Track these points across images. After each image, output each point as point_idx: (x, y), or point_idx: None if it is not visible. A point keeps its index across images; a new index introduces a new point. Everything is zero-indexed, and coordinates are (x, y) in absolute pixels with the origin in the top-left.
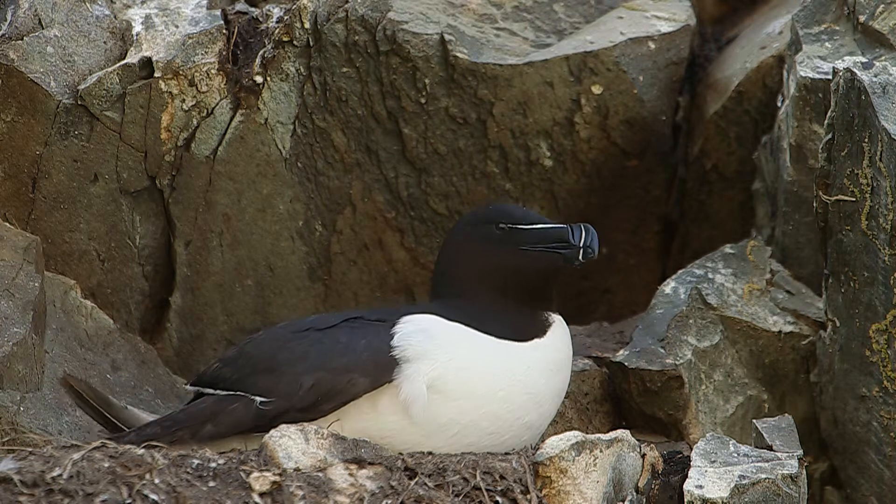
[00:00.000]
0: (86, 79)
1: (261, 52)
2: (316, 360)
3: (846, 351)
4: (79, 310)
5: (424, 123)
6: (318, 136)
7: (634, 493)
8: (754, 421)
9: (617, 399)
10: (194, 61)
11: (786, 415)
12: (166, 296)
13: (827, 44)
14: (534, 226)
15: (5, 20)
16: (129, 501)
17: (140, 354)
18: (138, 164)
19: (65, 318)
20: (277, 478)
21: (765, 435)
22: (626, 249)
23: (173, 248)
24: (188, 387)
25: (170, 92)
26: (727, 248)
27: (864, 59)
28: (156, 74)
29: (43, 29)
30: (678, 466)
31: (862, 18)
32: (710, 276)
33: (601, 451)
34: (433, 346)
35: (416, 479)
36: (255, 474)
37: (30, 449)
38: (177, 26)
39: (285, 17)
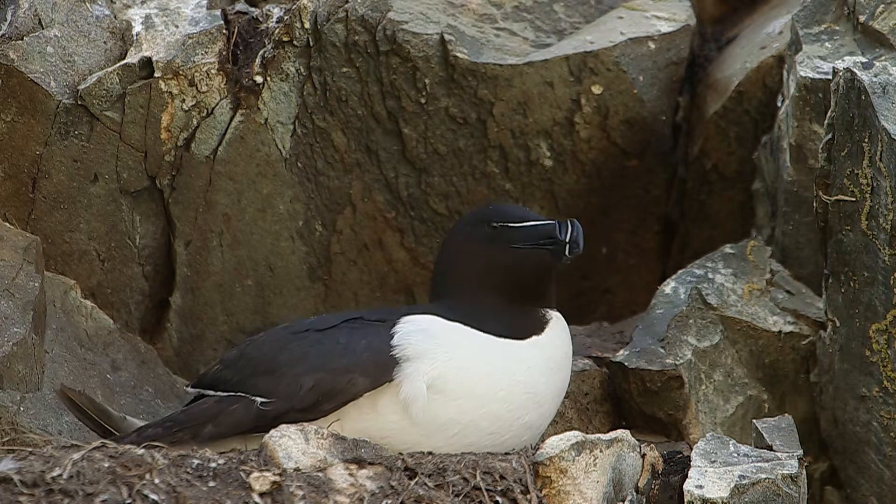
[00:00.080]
0: (86, 79)
1: (261, 52)
2: (316, 360)
3: (846, 351)
4: (79, 310)
5: (424, 123)
6: (318, 136)
7: (634, 493)
8: (754, 421)
9: (617, 399)
10: (194, 61)
11: (786, 415)
12: (166, 296)
13: (827, 44)
14: (524, 223)
15: (5, 20)
16: (129, 501)
17: (140, 354)
18: (138, 164)
19: (65, 318)
20: (277, 478)
21: (765, 435)
22: (626, 249)
23: (173, 248)
24: (189, 389)
25: (170, 92)
26: (727, 248)
27: (864, 59)
28: (156, 74)
29: (43, 29)
30: (678, 466)
31: (862, 18)
32: (710, 276)
33: (601, 451)
34: (433, 345)
35: (416, 479)
36: (255, 474)
37: (30, 449)
38: (177, 26)
39: (285, 17)
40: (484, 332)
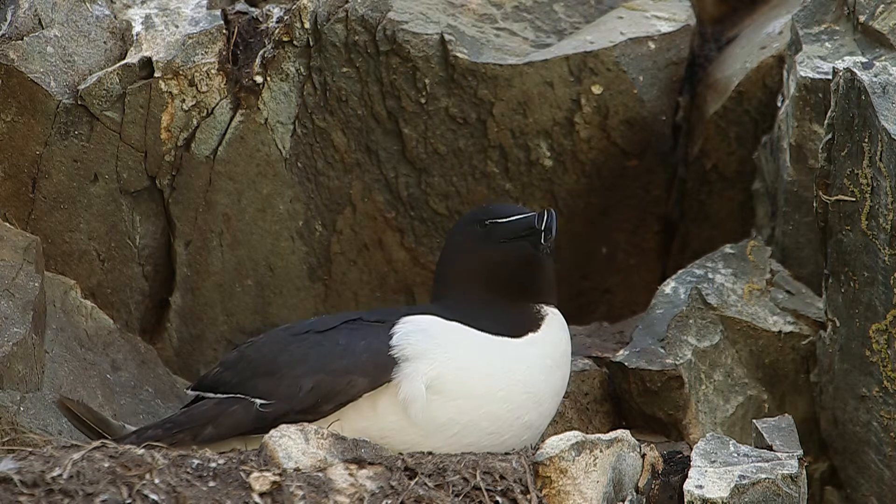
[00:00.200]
0: (86, 79)
1: (261, 52)
2: (315, 362)
3: (846, 351)
4: (79, 310)
5: (424, 123)
6: (318, 136)
7: (634, 493)
8: (754, 421)
9: (617, 399)
10: (194, 61)
11: (786, 415)
12: (166, 296)
13: (827, 44)
14: (509, 219)
15: (5, 20)
16: (129, 501)
17: (140, 354)
18: (138, 164)
19: (65, 318)
20: (277, 478)
21: (765, 435)
22: (626, 249)
23: (173, 248)
24: (189, 391)
25: (170, 92)
26: (727, 248)
27: (864, 59)
28: (156, 74)
29: (43, 29)
30: (678, 466)
31: (862, 18)
32: (710, 276)
33: (601, 451)
34: (432, 345)
35: (416, 479)
36: (255, 474)
37: (30, 449)
38: (177, 26)
39: (285, 17)
40: (482, 331)
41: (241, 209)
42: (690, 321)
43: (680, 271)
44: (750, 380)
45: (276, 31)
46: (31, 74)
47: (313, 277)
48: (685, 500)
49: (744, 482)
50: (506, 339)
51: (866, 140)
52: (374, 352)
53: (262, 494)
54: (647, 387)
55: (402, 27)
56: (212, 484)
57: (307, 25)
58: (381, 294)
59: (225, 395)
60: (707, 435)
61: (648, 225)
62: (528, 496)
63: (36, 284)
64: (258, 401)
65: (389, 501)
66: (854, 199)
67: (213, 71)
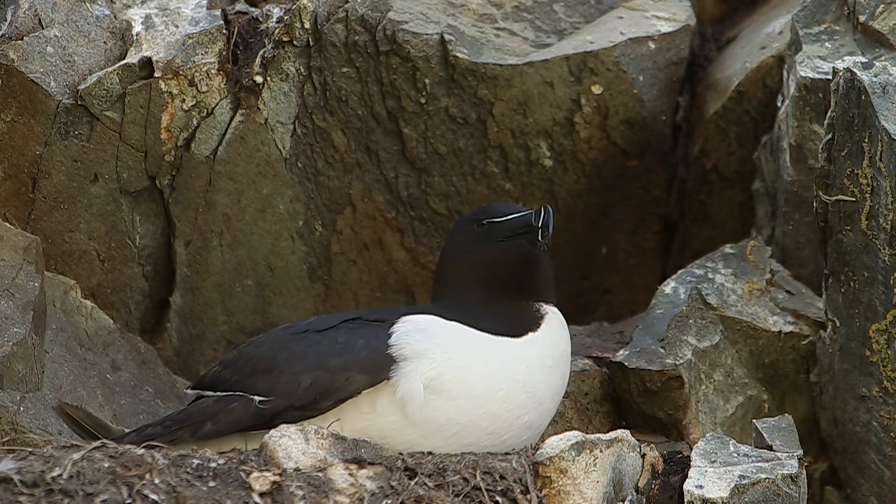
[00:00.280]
0: (86, 79)
1: (261, 52)
2: (314, 359)
3: (846, 351)
4: (79, 310)
5: (424, 123)
6: (318, 136)
7: (634, 493)
8: (754, 421)
9: (617, 399)
10: (194, 61)
11: (786, 415)
12: (166, 296)
13: (827, 44)
14: (506, 217)
15: (5, 20)
16: (129, 501)
17: (140, 354)
18: (138, 164)
19: (65, 318)
20: (277, 478)
21: (765, 435)
22: (626, 249)
23: (173, 248)
24: (189, 390)
25: (170, 92)
26: (727, 248)
27: (864, 59)
28: (156, 74)
29: (43, 29)
30: (678, 466)
31: (862, 18)
32: (710, 276)
33: (601, 451)
34: (431, 345)
35: (416, 479)
36: (255, 474)
37: (30, 449)
38: (177, 26)
39: (285, 17)
40: (482, 330)
41: (241, 209)
42: (690, 321)
43: (680, 271)
44: (750, 380)
45: (276, 31)
46: (31, 74)
47: (313, 277)
48: (685, 500)
49: (744, 482)
50: (505, 338)
51: (866, 140)
52: (373, 350)
53: (262, 494)
54: (647, 387)
55: (402, 27)
56: (212, 484)
57: (307, 25)
58: (381, 294)
59: (224, 393)
60: (707, 435)
61: (648, 225)
62: (528, 496)
63: (36, 284)
64: (257, 398)
65: (389, 501)
66: (854, 199)
67: (213, 71)
